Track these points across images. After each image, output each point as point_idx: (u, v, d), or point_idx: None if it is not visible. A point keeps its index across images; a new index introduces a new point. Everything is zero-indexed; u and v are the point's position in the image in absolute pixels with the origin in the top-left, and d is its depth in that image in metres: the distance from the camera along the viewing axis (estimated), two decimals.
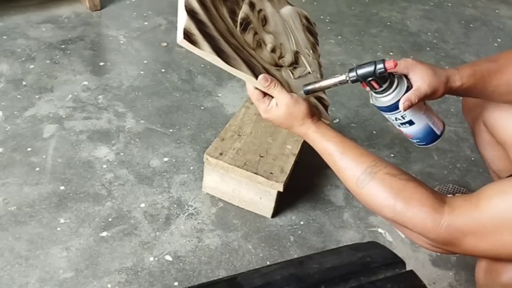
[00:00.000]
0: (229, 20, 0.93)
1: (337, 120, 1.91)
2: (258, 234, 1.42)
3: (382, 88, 0.93)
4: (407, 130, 1.04)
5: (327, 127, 0.91)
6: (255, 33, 0.98)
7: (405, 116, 0.99)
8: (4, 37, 2.13)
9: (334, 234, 1.45)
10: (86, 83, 1.94)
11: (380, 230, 1.48)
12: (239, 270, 1.32)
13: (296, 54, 1.09)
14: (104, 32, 2.28)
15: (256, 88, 0.88)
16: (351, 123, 1.91)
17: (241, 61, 0.87)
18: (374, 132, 1.88)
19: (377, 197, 0.82)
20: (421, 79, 0.92)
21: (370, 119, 1.94)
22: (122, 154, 1.63)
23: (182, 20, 0.80)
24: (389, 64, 0.87)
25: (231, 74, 0.87)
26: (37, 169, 1.54)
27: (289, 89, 0.97)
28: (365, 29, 2.61)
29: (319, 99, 1.08)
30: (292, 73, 1.03)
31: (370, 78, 0.91)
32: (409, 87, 0.94)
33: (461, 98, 1.26)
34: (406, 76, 0.94)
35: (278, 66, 1.00)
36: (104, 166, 1.58)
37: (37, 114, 1.75)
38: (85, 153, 1.61)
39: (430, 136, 1.05)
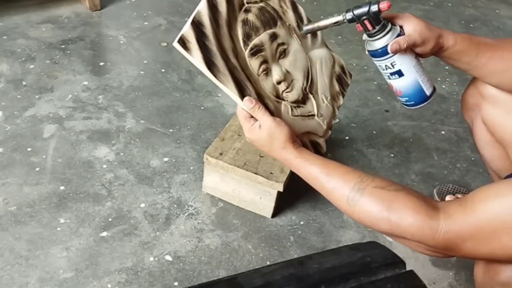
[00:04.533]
0: (241, 42, 0.96)
1: (337, 120, 1.91)
2: (258, 234, 1.42)
3: (375, 30, 1.00)
4: (396, 83, 1.07)
5: (308, 152, 0.93)
6: (264, 61, 1.00)
7: (395, 64, 1.03)
8: (4, 37, 2.13)
9: (334, 234, 1.45)
10: (86, 83, 1.94)
11: None
12: (239, 270, 1.32)
13: (307, 95, 1.09)
14: (104, 32, 2.28)
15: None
16: (351, 123, 1.91)
17: (231, 79, 0.89)
18: (374, 132, 1.88)
19: (371, 212, 0.82)
20: (413, 29, 0.99)
21: (370, 119, 1.94)
22: (122, 154, 1.63)
23: (185, 27, 0.86)
24: (383, 5, 0.95)
25: None
26: (37, 169, 1.54)
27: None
28: None
29: (315, 145, 1.08)
30: (292, 110, 1.04)
31: (364, 17, 0.98)
32: (401, 34, 1.00)
33: (460, 98, 1.26)
34: (401, 27, 1.01)
35: (280, 98, 1.02)
36: (104, 166, 1.58)
37: (37, 114, 1.75)
38: (85, 153, 1.61)
39: (419, 95, 1.08)
